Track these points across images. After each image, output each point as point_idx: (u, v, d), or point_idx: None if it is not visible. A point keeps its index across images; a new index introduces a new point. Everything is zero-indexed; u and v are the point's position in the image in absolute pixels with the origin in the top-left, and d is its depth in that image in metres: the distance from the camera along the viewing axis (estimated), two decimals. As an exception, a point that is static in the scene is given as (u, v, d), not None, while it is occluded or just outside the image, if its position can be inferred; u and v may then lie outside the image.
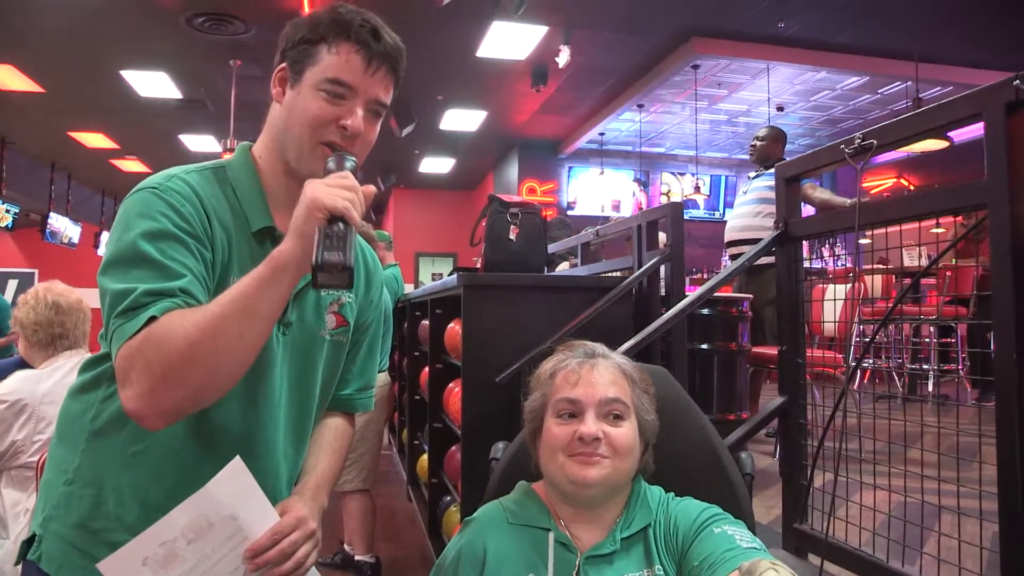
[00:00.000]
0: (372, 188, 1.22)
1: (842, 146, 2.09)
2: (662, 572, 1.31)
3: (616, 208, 13.55)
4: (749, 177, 5.62)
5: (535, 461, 1.45)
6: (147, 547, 1.14)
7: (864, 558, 2.13)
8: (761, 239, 2.66)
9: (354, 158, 1.27)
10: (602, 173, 13.45)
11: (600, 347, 1.47)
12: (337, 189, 1.15)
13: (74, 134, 11.78)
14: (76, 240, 15.01)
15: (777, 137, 5.52)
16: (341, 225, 1.12)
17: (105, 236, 15.93)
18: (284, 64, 1.32)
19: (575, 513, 1.38)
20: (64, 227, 14.52)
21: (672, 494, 1.44)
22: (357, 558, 3.80)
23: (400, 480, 5.77)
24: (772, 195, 5.13)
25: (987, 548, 1.82)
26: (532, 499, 1.43)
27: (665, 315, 2.52)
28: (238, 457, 1.20)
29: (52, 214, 13.98)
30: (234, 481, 1.19)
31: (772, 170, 5.24)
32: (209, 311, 1.12)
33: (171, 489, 1.22)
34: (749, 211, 5.31)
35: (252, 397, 1.30)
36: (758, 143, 5.53)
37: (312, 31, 1.29)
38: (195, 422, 1.25)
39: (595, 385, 1.36)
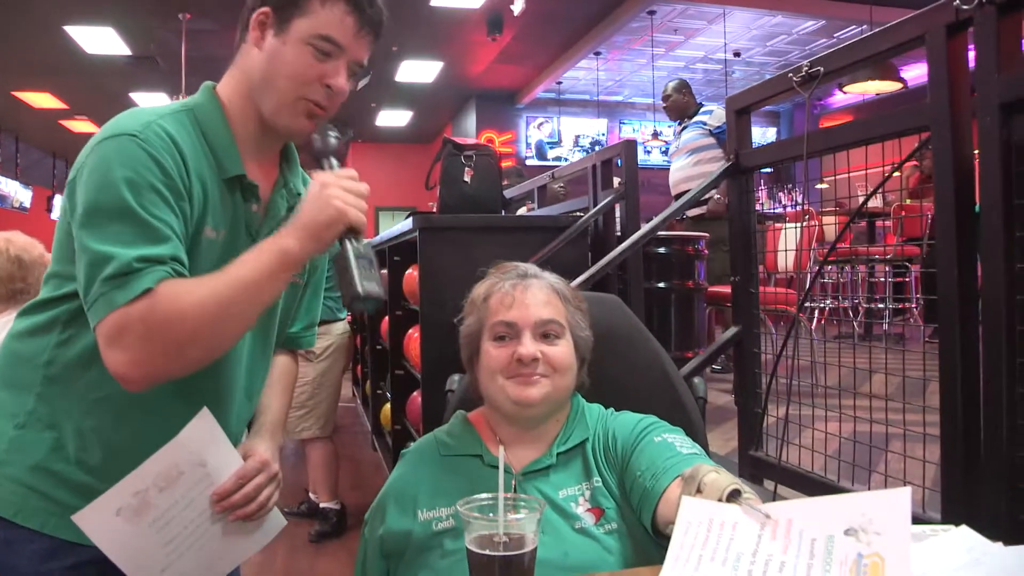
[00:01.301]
0: (367, 188, 1.24)
1: (790, 75, 2.11)
2: (600, 483, 1.33)
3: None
4: (676, 133, 5.69)
5: (473, 385, 1.46)
6: (121, 497, 1.16)
7: (817, 480, 2.19)
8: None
9: (337, 133, 1.28)
10: (540, 126, 13.46)
11: (532, 267, 1.47)
12: (354, 198, 1.18)
13: (19, 94, 11.45)
14: (28, 204, 14.69)
15: (680, 87, 5.66)
16: (360, 243, 1.17)
17: (59, 200, 15.60)
18: (267, 8, 1.26)
19: (517, 434, 1.39)
20: (14, 191, 14.20)
21: (611, 409, 1.46)
22: (322, 505, 3.82)
23: (365, 431, 5.79)
24: (703, 142, 5.26)
25: (931, 462, 1.88)
26: (465, 428, 1.45)
27: (618, 247, 2.53)
28: (205, 408, 1.22)
29: (0, 178, 13.65)
30: (202, 430, 1.22)
31: (696, 119, 5.36)
32: (215, 293, 1.12)
33: (135, 432, 1.22)
34: (687, 163, 5.41)
35: None
36: (668, 101, 5.66)
37: None
38: None
39: (529, 306, 1.37)
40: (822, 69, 2.02)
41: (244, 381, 1.39)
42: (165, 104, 1.29)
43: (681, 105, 5.57)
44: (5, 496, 1.22)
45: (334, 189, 1.17)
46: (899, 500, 0.91)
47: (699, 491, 1.07)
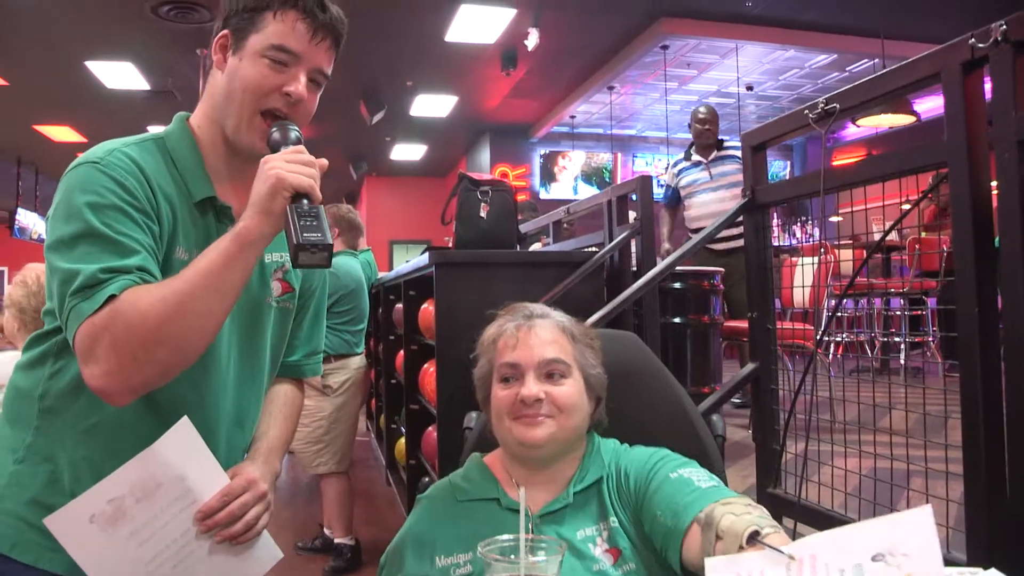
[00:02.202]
0: (325, 161, 1.23)
1: (806, 111, 2.11)
2: (616, 523, 1.31)
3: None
4: (704, 162, 5.46)
5: (489, 427, 1.46)
6: (94, 504, 1.14)
7: (837, 518, 2.16)
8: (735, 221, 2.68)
9: (297, 128, 1.27)
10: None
11: (539, 307, 1.47)
12: (297, 165, 1.17)
13: (40, 128, 11.61)
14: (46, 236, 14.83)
15: (716, 117, 5.51)
16: (306, 203, 1.14)
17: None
18: (226, 31, 1.30)
19: (530, 474, 1.39)
20: (33, 223, 14.33)
21: (625, 444, 1.45)
22: (336, 541, 3.80)
23: (379, 466, 5.77)
24: (740, 177, 5.12)
25: (955, 501, 1.85)
26: (481, 471, 1.45)
27: (634, 284, 2.53)
28: (185, 417, 1.20)
29: (20, 210, 13.80)
30: (182, 441, 1.19)
31: (730, 153, 5.22)
32: (176, 288, 1.12)
33: (125, 461, 1.21)
34: (724, 196, 5.23)
35: (202, 367, 1.29)
36: (706, 127, 5.43)
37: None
38: (146, 394, 1.22)
39: (533, 347, 1.37)
40: (838, 106, 2.02)
41: (232, 408, 1.38)
42: (137, 135, 1.32)
43: (715, 135, 5.44)
44: (3, 530, 1.23)
45: (274, 161, 1.17)
46: (922, 518, 0.89)
47: (718, 538, 1.06)
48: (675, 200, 5.73)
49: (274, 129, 1.25)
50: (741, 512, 1.08)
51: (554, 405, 1.34)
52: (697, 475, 1.27)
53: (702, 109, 5.53)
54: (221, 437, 1.36)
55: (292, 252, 1.12)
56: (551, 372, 1.37)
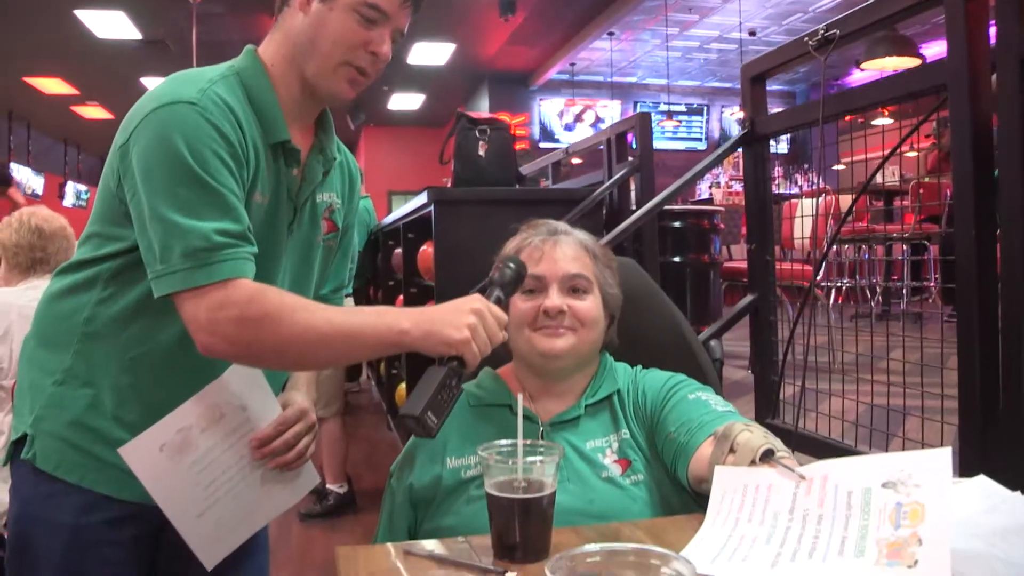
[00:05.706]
0: (503, 339, 1.21)
1: (806, 39, 2.09)
2: (628, 435, 1.35)
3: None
4: None
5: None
6: (165, 433, 1.19)
7: (834, 445, 2.19)
8: None
9: (516, 267, 1.28)
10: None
11: (562, 224, 1.50)
12: (485, 339, 1.16)
13: (30, 80, 11.49)
14: (40, 191, 14.72)
15: None
16: (456, 375, 1.14)
17: (71, 186, 15.68)
18: None
19: (543, 386, 1.41)
20: (26, 178, 14.24)
21: (639, 366, 1.48)
22: (327, 486, 3.80)
23: (380, 411, 5.82)
24: None
25: (950, 423, 1.87)
26: (494, 381, 1.47)
27: (635, 214, 2.53)
28: None
29: (12, 165, 13.69)
30: (244, 372, 1.25)
31: None
32: (323, 323, 1.16)
33: (172, 391, 1.23)
34: None
35: None
36: None
37: None
38: None
39: (558, 261, 1.39)
40: (838, 32, 2.00)
41: None
42: (209, 68, 1.29)
43: None
44: (45, 451, 1.25)
45: (478, 319, 1.16)
46: (940, 458, 0.92)
47: (732, 451, 1.09)
48: None
49: (496, 268, 1.29)
50: (759, 433, 1.11)
51: (576, 318, 1.37)
52: (714, 400, 1.31)
53: None
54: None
55: (408, 410, 1.10)
56: (574, 287, 1.39)
